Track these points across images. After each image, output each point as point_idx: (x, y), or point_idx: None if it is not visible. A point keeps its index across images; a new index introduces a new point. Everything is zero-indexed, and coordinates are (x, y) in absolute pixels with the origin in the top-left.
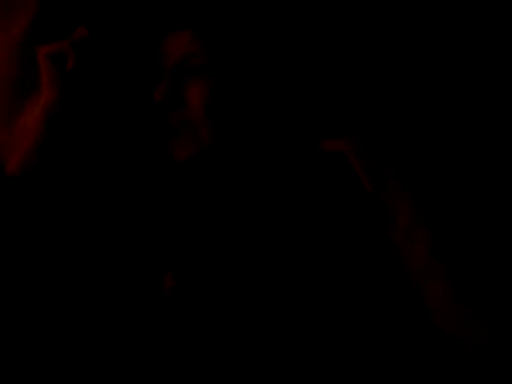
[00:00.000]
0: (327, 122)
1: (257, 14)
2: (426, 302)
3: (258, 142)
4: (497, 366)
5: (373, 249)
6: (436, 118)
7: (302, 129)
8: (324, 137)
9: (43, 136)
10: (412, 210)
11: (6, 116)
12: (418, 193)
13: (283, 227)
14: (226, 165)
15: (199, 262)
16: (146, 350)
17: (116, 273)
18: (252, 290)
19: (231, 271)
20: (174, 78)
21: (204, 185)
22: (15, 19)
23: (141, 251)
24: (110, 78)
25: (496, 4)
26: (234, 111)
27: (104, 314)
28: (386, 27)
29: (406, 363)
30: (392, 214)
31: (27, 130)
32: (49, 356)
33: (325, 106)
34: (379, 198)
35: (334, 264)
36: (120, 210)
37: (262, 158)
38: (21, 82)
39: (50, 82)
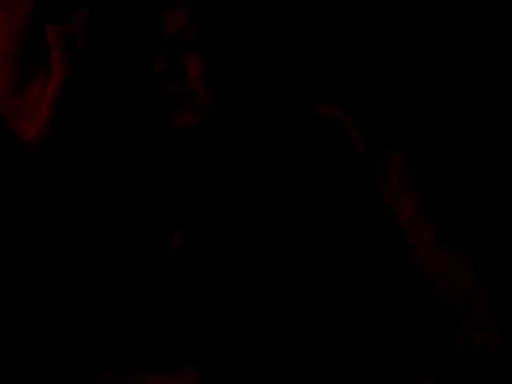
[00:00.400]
0: (321, 87)
1: None
2: (414, 251)
3: (253, 107)
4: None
5: (365, 208)
6: (428, 80)
7: (297, 94)
8: (318, 102)
9: (57, 108)
10: (402, 168)
11: (15, 89)
12: (409, 152)
13: (280, 187)
14: (224, 129)
15: (204, 220)
16: (153, 305)
17: (125, 230)
18: (254, 246)
19: (234, 229)
20: (172, 50)
21: (206, 148)
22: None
23: (149, 210)
24: (114, 54)
25: None
26: (230, 79)
27: (112, 270)
28: None
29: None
30: (383, 171)
31: (42, 100)
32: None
33: (319, 72)
34: (372, 160)
35: (328, 223)
36: (129, 174)
37: (258, 121)
38: (29, 56)
39: (61, 59)
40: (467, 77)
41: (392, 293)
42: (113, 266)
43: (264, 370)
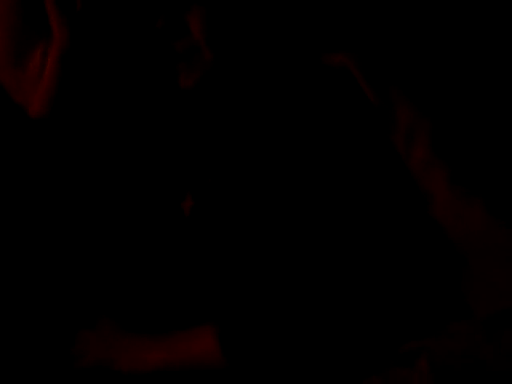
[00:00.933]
0: (327, 35)
1: None
2: (427, 197)
3: (259, 59)
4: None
5: (377, 157)
6: (438, 27)
7: (303, 44)
8: (324, 50)
9: (61, 75)
10: (412, 113)
11: (15, 60)
12: (418, 97)
13: (290, 140)
14: (230, 84)
15: (215, 182)
16: (169, 267)
17: (138, 194)
18: (265, 205)
19: (244, 190)
20: (173, 6)
21: (213, 105)
22: None
23: (161, 174)
24: (113, 15)
25: None
26: (233, 31)
27: (127, 235)
28: None
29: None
30: (394, 119)
31: (44, 70)
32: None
33: (325, 20)
34: (382, 106)
35: (339, 174)
36: (136, 138)
37: (264, 74)
38: (27, 25)
39: (61, 25)
40: (477, 25)
41: (404, 239)
42: (128, 231)
43: (280, 331)
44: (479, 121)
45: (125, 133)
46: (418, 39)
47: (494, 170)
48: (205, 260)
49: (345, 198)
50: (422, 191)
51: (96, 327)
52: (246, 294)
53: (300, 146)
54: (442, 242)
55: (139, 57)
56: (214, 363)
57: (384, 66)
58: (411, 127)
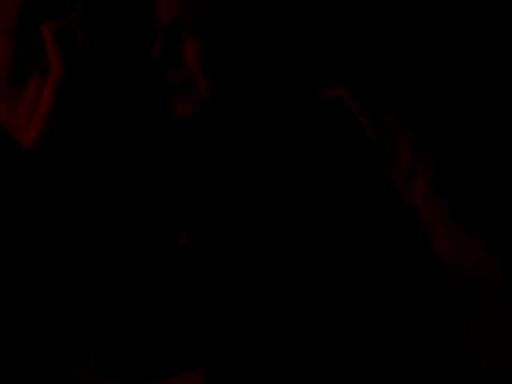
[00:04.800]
0: (324, 68)
1: None
2: (428, 236)
3: (255, 93)
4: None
5: (375, 194)
6: (440, 59)
7: (300, 78)
8: (322, 84)
9: (56, 108)
10: (411, 147)
11: (9, 90)
12: (417, 130)
13: (286, 177)
14: (226, 118)
15: (209, 217)
16: (158, 307)
17: (129, 231)
18: (262, 244)
19: (241, 227)
20: (168, 37)
21: (208, 140)
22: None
23: (153, 211)
24: (111, 46)
25: None
26: (229, 65)
27: (117, 271)
28: None
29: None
30: (392, 154)
31: (39, 104)
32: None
33: (321, 54)
34: (379, 140)
35: (337, 211)
36: (130, 172)
37: (260, 108)
38: (21, 54)
39: (59, 57)
40: (481, 55)
41: (405, 280)
42: (118, 267)
43: (272, 376)
44: (482, 156)
45: (117, 166)
46: (418, 68)
47: (497, 207)
48: (196, 299)
49: (342, 236)
50: (422, 226)
51: (82, 367)
52: (236, 337)
53: (296, 183)
54: (444, 279)
55: (133, 88)
56: None
57: (382, 98)
58: (412, 161)
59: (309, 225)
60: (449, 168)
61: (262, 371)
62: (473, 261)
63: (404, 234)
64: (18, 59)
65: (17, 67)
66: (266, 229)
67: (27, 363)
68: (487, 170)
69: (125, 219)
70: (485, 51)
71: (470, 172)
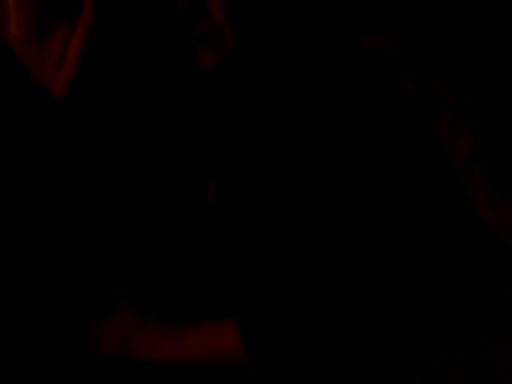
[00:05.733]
0: (364, 17)
1: None
2: (469, 194)
3: (285, 41)
4: None
5: (417, 144)
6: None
7: (337, 25)
8: (361, 34)
9: (85, 55)
10: (456, 106)
11: (37, 35)
12: (462, 88)
13: (321, 131)
14: (254, 68)
15: (239, 168)
16: (192, 258)
17: (159, 183)
18: (293, 195)
19: (271, 176)
20: None
21: (234, 90)
22: None
23: (183, 161)
24: None
25: None
26: (257, 11)
27: (150, 222)
28: None
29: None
30: (435, 110)
31: (67, 51)
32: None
33: (361, 1)
34: (422, 95)
35: (375, 166)
36: (158, 123)
37: (291, 57)
38: (47, 4)
39: (93, 4)
40: None
41: (447, 237)
42: (151, 218)
43: (303, 327)
44: None
45: (145, 117)
46: (464, 22)
47: None
48: (227, 250)
49: (380, 190)
50: (465, 189)
51: (111, 313)
52: (269, 288)
53: (330, 133)
54: (485, 242)
55: (159, 39)
56: (233, 361)
57: (426, 51)
58: (454, 120)
59: (342, 176)
60: (491, 130)
61: (293, 322)
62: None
63: (445, 191)
64: (44, 4)
65: (43, 12)
66: (297, 180)
67: (56, 311)
68: None
69: (155, 170)
70: None
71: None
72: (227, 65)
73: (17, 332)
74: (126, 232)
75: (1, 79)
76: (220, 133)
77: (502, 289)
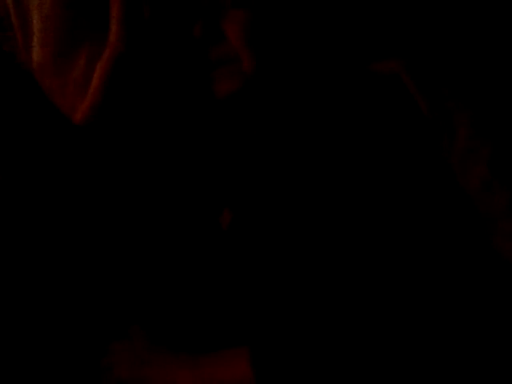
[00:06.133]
0: (377, 41)
1: None
2: (486, 222)
3: (302, 68)
4: None
5: (429, 172)
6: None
7: (351, 50)
8: (374, 58)
9: (110, 81)
10: (471, 130)
11: (60, 61)
12: (477, 109)
13: (337, 156)
14: (271, 94)
15: (255, 195)
16: (205, 285)
17: (174, 208)
18: (309, 221)
19: (287, 204)
20: (211, 12)
21: (251, 117)
22: None
23: (198, 188)
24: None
25: None
26: (274, 38)
27: (162, 249)
28: None
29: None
30: (449, 136)
31: (90, 77)
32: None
33: (375, 26)
34: (436, 119)
35: (389, 190)
36: (174, 149)
37: (308, 84)
38: (73, 28)
39: (124, 29)
40: None
41: (462, 275)
42: (163, 245)
43: (317, 357)
44: None
45: (161, 141)
46: (480, 45)
47: None
48: (241, 276)
49: (394, 218)
50: (479, 214)
51: (124, 339)
52: (281, 317)
53: (346, 160)
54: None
55: (176, 64)
56: None
57: (440, 75)
58: (471, 145)
59: (358, 205)
60: (508, 153)
61: (306, 351)
62: None
63: (460, 223)
64: (69, 28)
65: (68, 37)
66: (314, 207)
67: (68, 336)
68: None
69: (170, 195)
70: None
71: None
72: (244, 91)
73: (28, 359)
74: (140, 257)
75: (23, 107)
76: (235, 159)
77: None
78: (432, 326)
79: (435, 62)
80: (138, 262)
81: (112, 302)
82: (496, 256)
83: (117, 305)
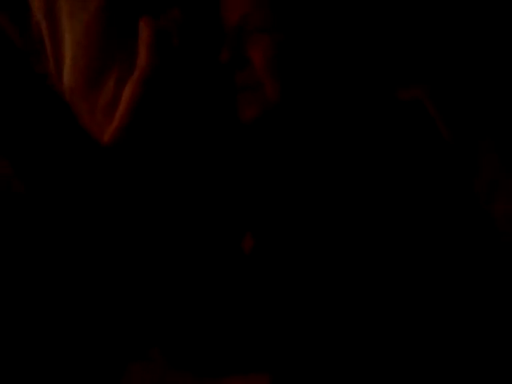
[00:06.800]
0: (401, 68)
1: None
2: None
3: (326, 97)
4: None
5: (455, 200)
6: None
7: (375, 78)
8: (398, 85)
9: (137, 104)
10: (498, 159)
11: (88, 90)
12: (504, 141)
13: (357, 183)
14: (294, 123)
15: (277, 221)
16: (227, 308)
17: (196, 233)
18: (331, 247)
19: (308, 228)
20: (236, 38)
21: (273, 143)
22: None
23: (219, 212)
24: (192, 50)
25: None
26: (298, 67)
27: (182, 275)
28: None
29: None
30: (475, 164)
31: (118, 100)
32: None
33: (399, 53)
34: (460, 147)
35: (412, 218)
36: (197, 173)
37: (331, 112)
38: (107, 49)
39: (153, 55)
40: None
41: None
42: (186, 269)
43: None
44: None
45: (186, 163)
46: (504, 74)
47: None
48: (266, 300)
49: (417, 245)
50: (504, 245)
51: (147, 360)
52: (305, 342)
53: (370, 186)
54: None
55: (203, 89)
56: None
57: (465, 104)
58: (496, 173)
59: (378, 236)
60: None
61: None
62: None
63: (484, 249)
64: (100, 54)
65: (98, 63)
66: (336, 234)
67: (88, 356)
68: None
69: (192, 219)
70: None
71: None
72: (267, 118)
73: (47, 379)
74: (163, 280)
75: (53, 128)
76: (258, 183)
77: None
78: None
79: (458, 90)
80: (161, 286)
81: (133, 324)
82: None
83: (137, 326)
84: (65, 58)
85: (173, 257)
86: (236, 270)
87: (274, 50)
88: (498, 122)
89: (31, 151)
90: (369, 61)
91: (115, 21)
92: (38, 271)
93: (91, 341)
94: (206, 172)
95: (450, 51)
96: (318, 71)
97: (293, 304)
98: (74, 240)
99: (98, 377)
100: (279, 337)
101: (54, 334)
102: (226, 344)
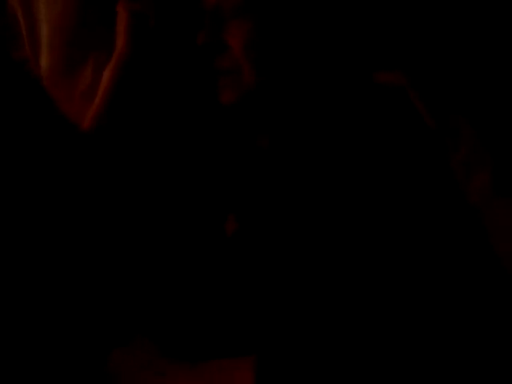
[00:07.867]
0: (381, 52)
1: None
2: (489, 230)
3: (304, 79)
4: None
5: (434, 182)
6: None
7: (354, 62)
8: (378, 69)
9: (116, 88)
10: (474, 142)
11: (67, 68)
12: (482, 124)
13: (340, 166)
14: (272, 105)
15: (259, 202)
16: (211, 293)
17: (178, 215)
18: (314, 228)
19: (291, 211)
20: (214, 22)
21: (253, 126)
22: None
23: (202, 195)
24: (168, 34)
25: None
26: (276, 49)
27: (165, 260)
28: None
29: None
30: (453, 147)
31: (99, 81)
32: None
33: (379, 36)
34: (439, 131)
35: (394, 202)
36: (179, 157)
37: (310, 95)
38: (84, 34)
39: (130, 38)
40: None
41: (466, 280)
42: (167, 253)
43: (323, 369)
44: None
45: (166, 147)
46: (485, 57)
47: None
48: (248, 285)
49: (399, 228)
50: (483, 224)
51: (132, 347)
52: (288, 326)
53: (347, 170)
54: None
55: (181, 73)
56: None
57: (444, 87)
58: (473, 156)
59: (363, 215)
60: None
61: (313, 361)
62: None
63: (464, 228)
64: (77, 36)
65: (75, 44)
66: (319, 216)
67: (72, 344)
68: None
69: (174, 203)
70: None
71: None
72: (244, 102)
73: (31, 366)
74: (145, 265)
75: (31, 114)
76: (240, 166)
77: None
78: (433, 328)
79: (439, 74)
80: (143, 270)
81: (116, 311)
82: (495, 260)
83: (121, 313)
84: (41, 45)
85: (155, 241)
86: (218, 253)
87: (250, 34)
88: (477, 105)
89: (9, 139)
90: (348, 45)
91: (91, 5)
92: (21, 260)
93: (75, 328)
94: (187, 155)
95: (432, 36)
96: (295, 56)
97: (275, 287)
98: (57, 225)
99: (82, 364)
100: (263, 321)
101: (38, 320)
102: (209, 329)
